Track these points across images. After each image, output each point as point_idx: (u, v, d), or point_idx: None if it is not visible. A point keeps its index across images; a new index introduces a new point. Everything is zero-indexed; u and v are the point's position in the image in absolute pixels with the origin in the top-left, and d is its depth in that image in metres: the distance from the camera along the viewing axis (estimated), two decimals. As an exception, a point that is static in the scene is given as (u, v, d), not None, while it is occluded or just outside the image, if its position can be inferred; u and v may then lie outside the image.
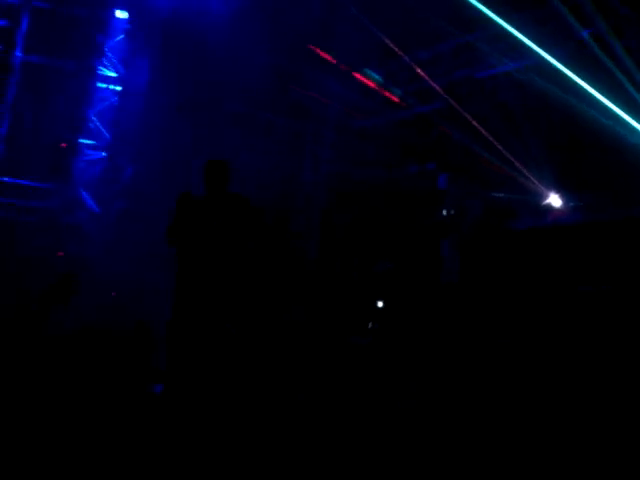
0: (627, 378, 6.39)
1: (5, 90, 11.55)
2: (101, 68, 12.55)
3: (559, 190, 9.45)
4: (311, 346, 8.64)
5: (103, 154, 12.60)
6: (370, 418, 5.92)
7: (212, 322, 6.02)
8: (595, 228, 8.69)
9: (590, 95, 8.65)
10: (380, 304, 10.15)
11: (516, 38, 9.05)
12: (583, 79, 8.70)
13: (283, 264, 11.68)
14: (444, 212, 10.40)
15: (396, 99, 11.17)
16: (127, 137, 12.55)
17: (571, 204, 9.37)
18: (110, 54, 12.69)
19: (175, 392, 5.78)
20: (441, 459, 4.72)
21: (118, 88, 12.80)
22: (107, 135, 12.64)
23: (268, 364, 7.88)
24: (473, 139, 10.01)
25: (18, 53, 11.68)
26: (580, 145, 8.85)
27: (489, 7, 9.14)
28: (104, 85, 12.68)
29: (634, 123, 8.37)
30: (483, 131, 9.82)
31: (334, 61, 11.34)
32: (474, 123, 9.93)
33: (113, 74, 12.72)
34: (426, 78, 10.54)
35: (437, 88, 10.43)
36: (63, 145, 12.02)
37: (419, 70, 10.63)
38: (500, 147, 9.70)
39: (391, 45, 10.55)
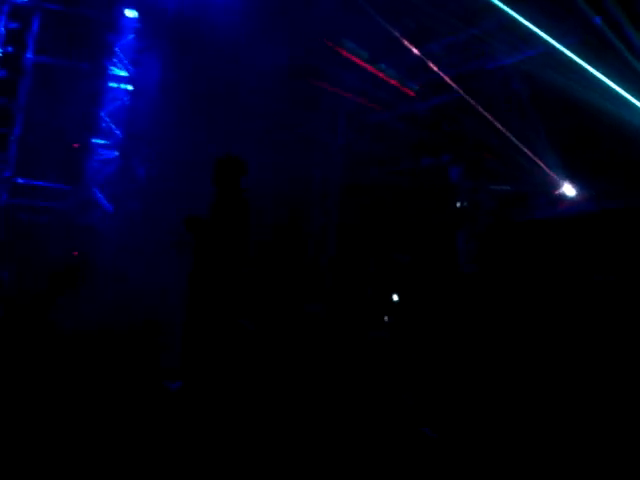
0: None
1: (17, 92, 11.62)
2: (112, 68, 12.58)
3: (572, 179, 9.40)
4: (328, 341, 8.65)
5: (116, 153, 12.64)
6: (387, 414, 5.92)
7: (227, 319, 6.05)
8: (608, 217, 8.65)
9: (602, 83, 8.58)
10: (395, 297, 10.15)
11: (527, 27, 8.98)
12: (595, 67, 8.63)
13: (301, 260, 11.70)
14: (458, 204, 10.37)
15: (409, 92, 11.13)
16: (139, 136, 12.57)
17: (585, 193, 9.31)
18: (121, 53, 12.73)
19: (193, 389, 5.80)
20: (456, 451, 4.71)
21: (129, 87, 12.83)
22: (119, 134, 12.68)
23: (286, 360, 7.89)
24: (486, 131, 9.96)
25: (29, 55, 11.73)
26: (593, 134, 8.80)
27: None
28: (115, 85, 12.72)
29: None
30: (495, 122, 9.77)
31: (346, 54, 11.29)
32: (486, 115, 9.88)
33: (124, 73, 12.76)
34: (437, 70, 10.49)
35: (448, 80, 10.38)
36: (76, 145, 12.07)
37: (430, 63, 10.58)
38: (513, 138, 9.65)
39: (400, 38, 10.50)
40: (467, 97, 10.09)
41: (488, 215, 10.05)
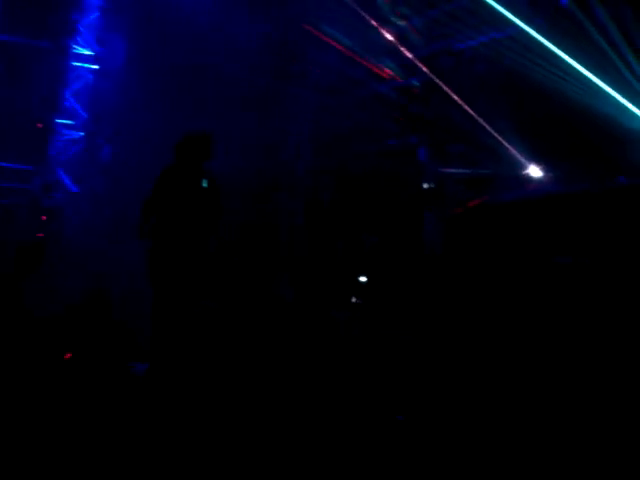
0: (603, 350, 6.45)
1: (-22, 71, 11.41)
2: (76, 47, 12.40)
3: (538, 161, 9.47)
4: (294, 320, 8.66)
5: (81, 134, 12.48)
6: (352, 398, 5.94)
7: (189, 298, 6.02)
8: (574, 199, 8.73)
9: (569, 66, 8.64)
10: (363, 279, 10.17)
11: (494, 9, 9.02)
12: (562, 50, 8.68)
13: (269, 238, 11.67)
14: (425, 185, 10.40)
15: (380, 72, 11.09)
16: (104, 116, 12.43)
17: (551, 175, 9.39)
18: (85, 32, 12.53)
19: (160, 371, 5.78)
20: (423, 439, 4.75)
21: (94, 67, 12.66)
22: (84, 114, 12.51)
23: (250, 339, 7.89)
24: (452, 113, 9.99)
25: (-9, 33, 11.52)
26: (559, 116, 8.85)
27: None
28: (80, 64, 12.53)
29: (614, 94, 8.38)
30: (462, 104, 9.80)
31: (318, 33, 11.23)
32: (453, 97, 9.91)
33: (89, 52, 12.57)
34: (404, 51, 10.49)
35: (416, 61, 10.39)
36: (39, 125, 11.89)
37: (398, 43, 10.57)
38: (479, 120, 9.70)
39: (368, 18, 10.50)
40: (434, 78, 10.11)
41: (455, 197, 10.10)
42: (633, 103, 8.27)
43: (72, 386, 5.60)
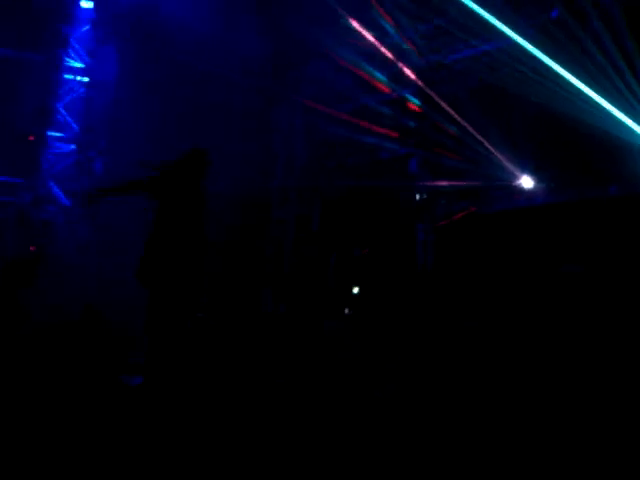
0: (598, 358, 6.47)
1: (-31, 84, 11.37)
2: (67, 59, 12.38)
3: (530, 172, 9.50)
4: (288, 332, 8.65)
5: (72, 147, 12.44)
6: (344, 405, 5.94)
7: (186, 313, 6.01)
8: (566, 209, 8.77)
9: (561, 77, 8.68)
10: (356, 290, 10.18)
11: (485, 21, 9.05)
12: (553, 60, 8.73)
13: (259, 252, 11.67)
14: (417, 197, 10.42)
15: (375, 83, 11.09)
16: (96, 129, 12.40)
17: (542, 185, 9.42)
18: (76, 45, 12.52)
19: (156, 384, 5.75)
20: (416, 444, 4.75)
21: (85, 79, 12.63)
22: (76, 127, 12.48)
23: (245, 351, 7.88)
24: (445, 124, 10.02)
25: (-19, 46, 11.50)
26: (552, 127, 8.90)
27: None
28: (71, 76, 12.51)
29: (606, 104, 8.43)
30: (454, 116, 9.84)
31: (311, 46, 11.24)
32: (445, 108, 9.94)
33: (80, 65, 12.55)
34: (396, 63, 10.52)
35: (409, 72, 10.42)
36: (31, 138, 11.86)
37: (390, 54, 10.60)
38: (471, 130, 9.73)
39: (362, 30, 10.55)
40: (426, 90, 10.14)
41: (447, 208, 10.13)
42: (625, 114, 8.32)
43: (64, 398, 5.57)
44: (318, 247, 11.25)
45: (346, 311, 10.04)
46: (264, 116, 12.21)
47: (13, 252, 10.66)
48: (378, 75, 10.81)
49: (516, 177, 9.58)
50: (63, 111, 12.36)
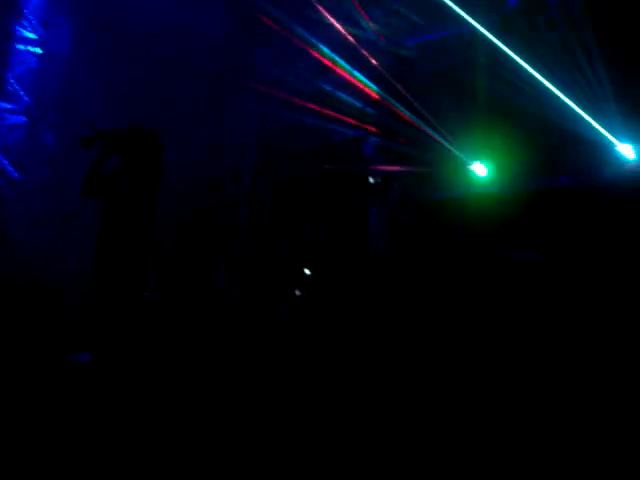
0: (540, 338, 6.60)
1: None
2: (20, 29, 12.07)
3: (483, 159, 9.59)
4: (239, 313, 8.64)
5: (23, 118, 12.15)
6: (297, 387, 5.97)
7: (134, 291, 5.95)
8: (519, 197, 8.88)
9: (517, 64, 8.75)
10: (308, 272, 10.19)
11: (443, 6, 9.07)
12: (510, 48, 8.79)
13: (214, 231, 11.59)
14: (371, 180, 10.45)
15: (329, 63, 11.04)
16: (49, 101, 12.14)
17: (495, 173, 9.52)
18: (30, 15, 12.20)
19: (105, 363, 5.70)
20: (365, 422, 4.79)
21: (39, 50, 12.33)
22: (27, 99, 12.19)
23: (197, 331, 7.85)
24: (401, 108, 10.05)
25: None
26: (506, 115, 8.98)
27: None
28: (23, 47, 12.20)
29: (560, 95, 8.53)
30: (410, 99, 9.87)
31: (267, 27, 11.14)
32: (401, 90, 9.96)
33: (33, 36, 12.24)
34: (355, 44, 10.49)
35: (366, 54, 10.41)
36: (-21, 108, 11.59)
37: (349, 37, 10.57)
38: (427, 116, 9.77)
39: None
40: (384, 73, 10.15)
41: (400, 192, 10.18)
42: (578, 105, 8.44)
43: (10, 375, 5.50)
44: (270, 228, 11.22)
45: (297, 293, 10.05)
46: (221, 97, 12.09)
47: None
48: (335, 58, 10.77)
49: (469, 164, 9.67)
50: (13, 82, 12.06)
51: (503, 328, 7.25)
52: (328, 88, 10.95)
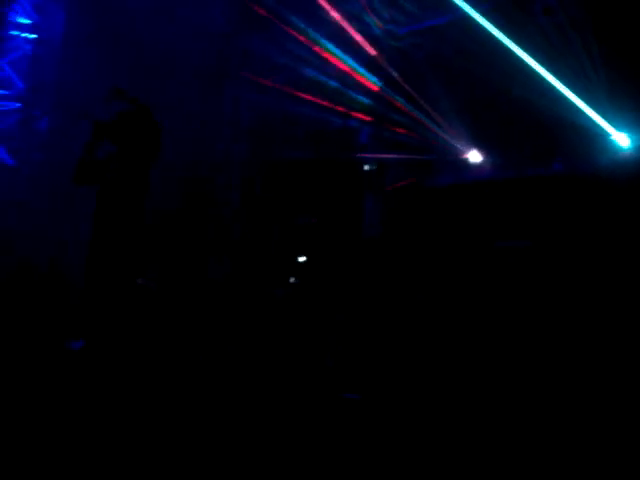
0: (540, 329, 6.62)
1: None
2: (13, 15, 11.99)
3: (478, 146, 9.59)
4: (232, 300, 8.65)
5: (17, 105, 12.11)
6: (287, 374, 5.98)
7: (127, 277, 5.96)
8: (513, 185, 8.88)
9: (509, 51, 8.73)
10: (302, 259, 10.20)
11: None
12: (505, 34, 8.76)
13: (206, 217, 11.58)
14: (366, 167, 10.44)
15: (324, 52, 10.99)
16: (43, 87, 12.09)
17: (490, 161, 9.52)
18: (23, 0, 12.13)
19: (97, 349, 5.71)
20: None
21: (32, 36, 12.26)
22: (21, 85, 12.14)
23: (190, 318, 7.86)
24: (396, 96, 10.03)
25: None
26: (500, 102, 8.97)
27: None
28: (17, 32, 12.13)
29: (554, 81, 8.52)
30: (404, 86, 9.85)
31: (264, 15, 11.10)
32: (396, 78, 9.95)
33: (27, 21, 12.18)
34: (350, 31, 10.44)
35: (361, 42, 10.36)
36: (-27, 95, 11.55)
37: (344, 22, 10.52)
38: (422, 103, 9.76)
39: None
40: (379, 60, 10.11)
41: (395, 180, 10.17)
42: (572, 91, 8.43)
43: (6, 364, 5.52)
44: (263, 216, 11.21)
45: (291, 280, 10.06)
46: (214, 84, 12.04)
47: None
48: (330, 47, 10.72)
49: (464, 152, 9.66)
50: (8, 68, 12.00)
51: (499, 316, 7.27)
52: (323, 77, 10.90)
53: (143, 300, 7.53)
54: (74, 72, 11.39)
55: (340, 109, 10.66)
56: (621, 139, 8.24)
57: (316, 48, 10.77)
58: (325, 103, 10.72)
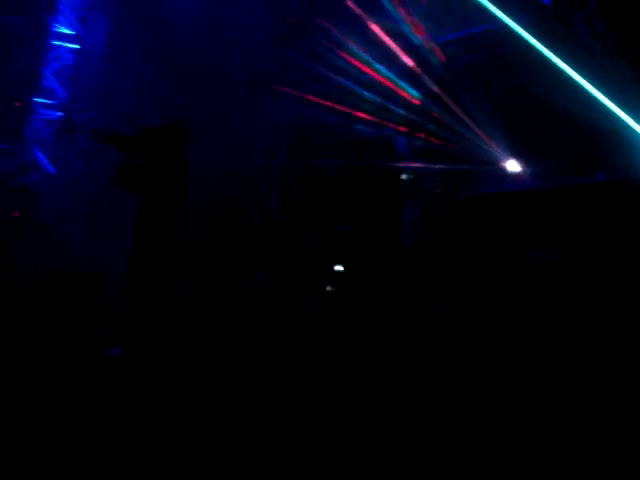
0: (570, 340, 6.52)
1: (-45, 47, 11.22)
2: (57, 25, 12.20)
3: (517, 156, 9.49)
4: (269, 308, 8.66)
5: (59, 114, 12.30)
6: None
7: (168, 286, 6.00)
8: (551, 195, 8.77)
9: (551, 62, 8.65)
10: (338, 268, 10.16)
11: (476, 2, 8.99)
12: (545, 45, 8.69)
13: (246, 227, 11.61)
14: (403, 176, 10.39)
15: (360, 63, 10.99)
16: (84, 96, 12.26)
17: (528, 170, 9.42)
18: (66, 11, 12.33)
19: (136, 356, 5.74)
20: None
21: (75, 46, 12.46)
22: (63, 94, 12.33)
23: (226, 326, 7.88)
24: (433, 104, 9.98)
25: (-30, 9, 11.31)
26: (541, 112, 8.88)
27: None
28: (60, 43, 12.34)
29: (595, 92, 8.41)
30: (443, 96, 9.79)
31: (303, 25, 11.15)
32: (433, 88, 9.89)
33: (69, 32, 12.38)
34: (388, 42, 10.43)
35: (399, 52, 10.34)
36: (17, 104, 11.73)
37: (381, 33, 10.50)
38: (460, 113, 9.70)
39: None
40: (416, 70, 10.08)
41: (433, 189, 10.11)
42: (614, 102, 8.32)
43: (45, 369, 5.58)
44: (302, 224, 11.21)
45: (328, 288, 10.02)
46: (253, 96, 12.08)
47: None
48: (368, 59, 10.70)
49: (503, 161, 9.57)
50: (50, 77, 12.21)
51: (534, 327, 7.17)
52: (360, 87, 10.87)
53: (182, 308, 7.57)
54: (114, 81, 11.54)
55: (378, 119, 10.62)
56: (664, 149, 8.10)
57: (354, 59, 10.75)
58: (363, 114, 10.69)
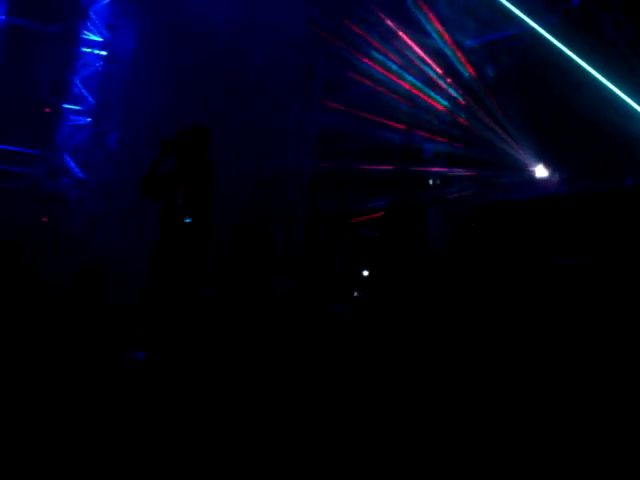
0: (599, 346, 6.43)
1: (-13, 54, 11.39)
2: (86, 32, 12.34)
3: (545, 161, 9.42)
4: (295, 314, 8.67)
5: (88, 120, 12.44)
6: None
7: (193, 289, 6.01)
8: (580, 200, 8.69)
9: (579, 66, 8.59)
10: (366, 273, 10.14)
11: (503, 6, 8.94)
12: (573, 49, 8.62)
13: (269, 233, 11.64)
14: (430, 182, 10.37)
15: (382, 70, 10.97)
16: (113, 103, 12.39)
17: (556, 175, 9.35)
18: (95, 18, 12.47)
19: (159, 359, 5.77)
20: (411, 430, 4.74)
21: (104, 53, 12.60)
22: (92, 100, 12.47)
23: (249, 331, 7.90)
24: (459, 109, 9.95)
25: (1, 16, 11.46)
26: (568, 116, 8.81)
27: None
28: (89, 50, 12.48)
29: (623, 95, 8.33)
30: (470, 101, 9.76)
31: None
32: (461, 92, 9.86)
33: (98, 39, 12.52)
34: (412, 45, 10.40)
35: (424, 56, 10.31)
36: (47, 110, 11.88)
37: (404, 36, 10.48)
38: (487, 117, 9.65)
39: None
40: (442, 75, 10.05)
41: (460, 194, 10.07)
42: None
43: (71, 371, 5.63)
44: (327, 229, 11.21)
45: (355, 294, 10.01)
46: (282, 104, 12.10)
47: (23, 222, 10.69)
48: (394, 64, 10.67)
49: (531, 166, 9.51)
50: (80, 84, 12.35)
51: (565, 334, 7.10)
52: (388, 93, 10.86)
53: (206, 312, 7.60)
54: (144, 88, 11.62)
55: (405, 125, 10.59)
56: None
57: (380, 67, 10.74)
58: (390, 121, 10.67)
